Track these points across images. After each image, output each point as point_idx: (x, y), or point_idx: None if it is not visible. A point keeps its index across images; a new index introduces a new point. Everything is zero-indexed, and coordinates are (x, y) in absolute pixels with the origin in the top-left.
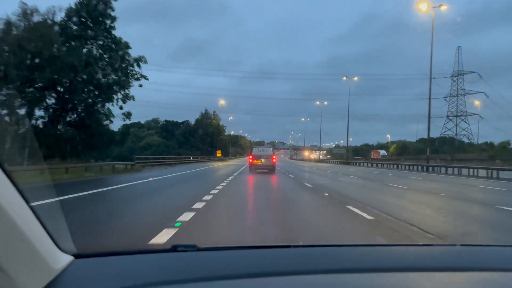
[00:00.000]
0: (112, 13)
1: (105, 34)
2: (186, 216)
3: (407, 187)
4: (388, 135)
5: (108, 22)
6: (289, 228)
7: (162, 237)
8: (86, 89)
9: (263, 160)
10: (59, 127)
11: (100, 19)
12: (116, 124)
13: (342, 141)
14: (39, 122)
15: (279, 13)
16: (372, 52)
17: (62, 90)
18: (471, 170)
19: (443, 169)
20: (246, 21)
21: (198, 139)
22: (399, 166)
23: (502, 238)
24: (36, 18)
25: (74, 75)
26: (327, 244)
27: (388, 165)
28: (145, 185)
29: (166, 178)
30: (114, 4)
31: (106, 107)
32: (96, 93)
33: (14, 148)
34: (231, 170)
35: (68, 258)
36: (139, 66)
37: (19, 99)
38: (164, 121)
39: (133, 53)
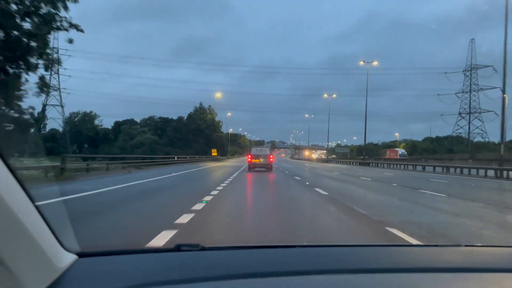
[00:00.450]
0: None
1: None
2: None
3: None
4: (396, 133)
5: None
6: None
7: None
8: None
9: (261, 159)
10: None
11: None
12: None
13: (345, 140)
14: None
15: (280, 11)
16: (374, 51)
17: None
18: None
19: (484, 172)
20: (247, 19)
21: (190, 136)
22: (433, 168)
23: None
24: None
25: None
26: (331, 244)
27: (413, 166)
28: None
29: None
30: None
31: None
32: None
33: None
34: (220, 178)
35: (72, 257)
36: (65, 8)
37: None
38: (158, 118)
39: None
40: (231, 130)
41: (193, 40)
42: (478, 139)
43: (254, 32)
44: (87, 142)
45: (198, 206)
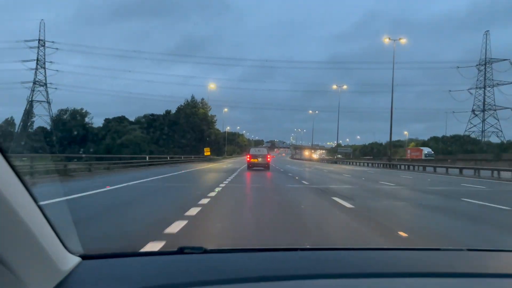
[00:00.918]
0: None
1: None
2: None
3: None
4: (405, 132)
5: None
6: None
7: None
8: None
9: (259, 159)
10: None
11: None
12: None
13: (347, 140)
14: None
15: (280, 10)
16: (375, 51)
17: None
18: None
19: None
20: (246, 18)
21: (179, 133)
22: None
23: None
24: None
25: None
26: (335, 248)
27: (441, 169)
28: None
29: None
30: None
31: None
32: None
33: None
34: (191, 198)
35: (76, 259)
36: None
37: None
38: (150, 115)
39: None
40: (228, 128)
41: (193, 39)
42: (493, 138)
43: (254, 31)
44: (76, 141)
45: None
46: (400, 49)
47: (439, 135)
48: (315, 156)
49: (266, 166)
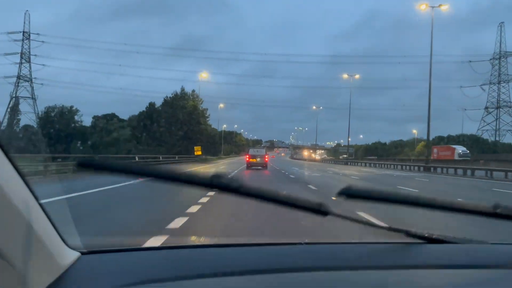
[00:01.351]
0: None
1: None
2: None
3: None
4: (414, 130)
5: None
6: None
7: None
8: None
9: (257, 159)
10: None
11: None
12: None
13: (350, 139)
14: None
15: (279, 9)
16: (375, 50)
17: None
18: None
19: None
20: (246, 17)
21: (164, 128)
22: None
23: None
24: None
25: None
26: (332, 242)
27: (487, 172)
28: None
29: None
30: None
31: None
32: None
33: None
34: None
35: (75, 254)
36: None
37: None
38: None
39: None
40: (225, 126)
41: (192, 37)
42: (508, 138)
43: (253, 30)
44: (63, 140)
45: None
46: (401, 48)
47: (438, 134)
48: (316, 156)
49: (264, 166)
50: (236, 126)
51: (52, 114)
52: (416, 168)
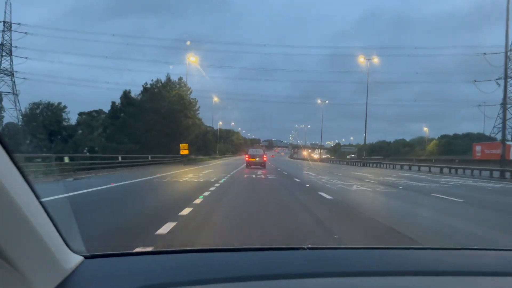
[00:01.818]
0: None
1: None
2: None
3: None
4: (425, 128)
5: None
6: None
7: None
8: None
9: (257, 158)
10: None
11: None
12: None
13: (352, 139)
14: None
15: (279, 8)
16: (376, 49)
17: None
18: None
19: None
20: (246, 15)
21: (141, 122)
22: None
23: None
24: None
25: None
26: (335, 247)
27: None
28: None
29: None
30: None
31: None
32: None
33: None
34: None
35: (79, 259)
36: None
37: None
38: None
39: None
40: (220, 123)
41: (190, 36)
42: None
43: (253, 28)
44: (49, 139)
45: None
46: (401, 48)
47: (439, 134)
48: (316, 155)
49: (262, 165)
50: (232, 124)
51: (37, 111)
52: (477, 172)
